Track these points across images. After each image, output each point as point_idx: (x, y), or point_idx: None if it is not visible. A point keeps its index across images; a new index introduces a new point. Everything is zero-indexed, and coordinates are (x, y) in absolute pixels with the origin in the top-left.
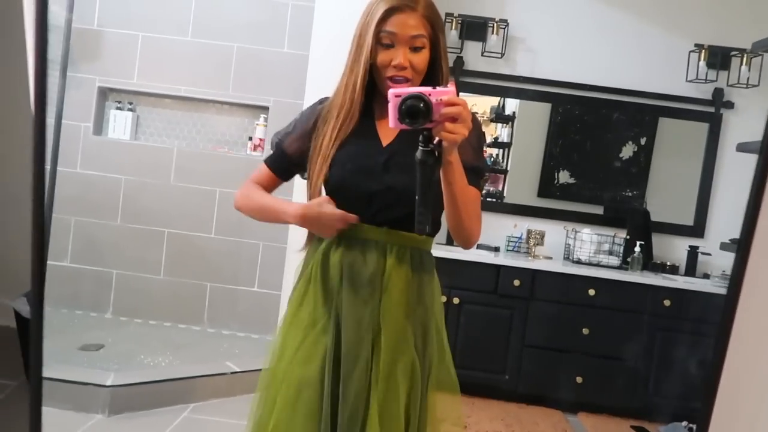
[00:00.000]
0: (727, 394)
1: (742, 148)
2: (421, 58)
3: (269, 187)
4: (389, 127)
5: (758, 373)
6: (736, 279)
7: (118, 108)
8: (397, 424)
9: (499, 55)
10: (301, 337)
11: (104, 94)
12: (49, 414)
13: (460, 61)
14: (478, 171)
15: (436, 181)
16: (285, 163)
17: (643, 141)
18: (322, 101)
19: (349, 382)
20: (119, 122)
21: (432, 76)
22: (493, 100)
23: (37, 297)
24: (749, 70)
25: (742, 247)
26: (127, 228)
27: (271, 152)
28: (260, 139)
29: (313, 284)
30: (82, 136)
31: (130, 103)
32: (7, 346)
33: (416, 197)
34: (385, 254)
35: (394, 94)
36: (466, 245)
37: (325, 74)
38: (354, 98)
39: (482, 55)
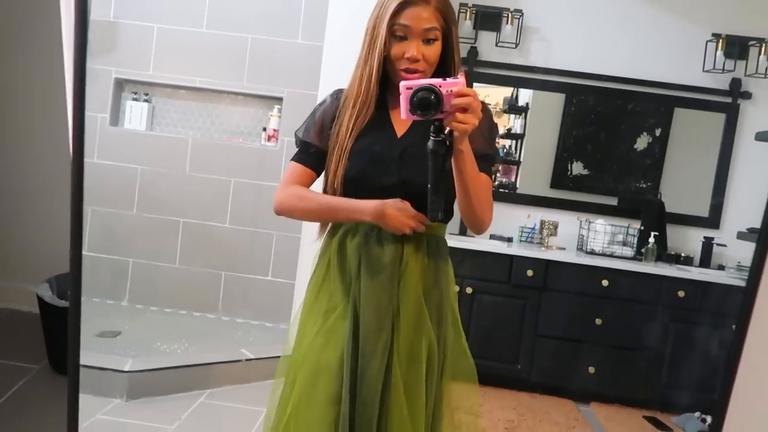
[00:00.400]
0: (744, 384)
1: (762, 137)
2: (434, 51)
3: (307, 185)
4: (406, 122)
5: None
6: (756, 268)
7: (134, 99)
8: (420, 403)
9: (514, 46)
10: (319, 324)
11: (120, 85)
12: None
13: (474, 51)
14: (489, 159)
15: (447, 170)
16: (317, 155)
17: (658, 132)
18: (337, 94)
19: (369, 367)
20: (135, 113)
21: (444, 67)
22: (507, 91)
23: (74, 291)
24: None
25: (763, 235)
26: (142, 217)
27: (298, 150)
28: (274, 130)
29: (331, 272)
30: (99, 127)
31: (146, 94)
32: (29, 331)
33: (428, 185)
34: (402, 241)
35: (406, 86)
36: (478, 231)
37: (339, 65)
38: (369, 89)
39: (496, 45)
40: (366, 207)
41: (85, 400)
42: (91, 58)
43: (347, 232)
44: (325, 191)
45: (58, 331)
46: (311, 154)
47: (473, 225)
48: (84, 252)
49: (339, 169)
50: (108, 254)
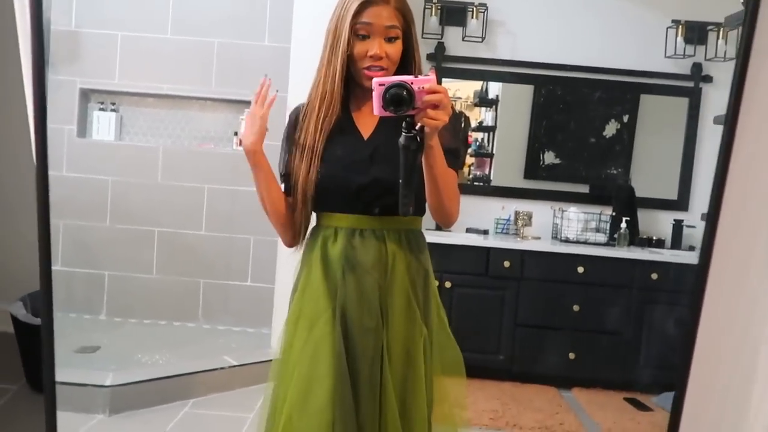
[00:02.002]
0: (702, 356)
1: (720, 120)
2: (396, 49)
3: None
4: (369, 118)
5: (732, 334)
6: (706, 248)
7: (101, 109)
8: (420, 401)
9: (480, 39)
10: (306, 333)
11: (86, 95)
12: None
13: (441, 46)
14: (455, 153)
15: (418, 165)
16: (285, 181)
17: (625, 118)
18: (295, 111)
19: (362, 369)
20: (103, 123)
21: (406, 66)
22: (476, 85)
23: (46, 305)
24: (726, 43)
25: (711, 217)
26: (116, 229)
27: (283, 183)
28: None
29: (314, 277)
30: (66, 138)
31: (113, 104)
32: (5, 351)
33: (400, 180)
34: (384, 240)
35: (378, 83)
36: (447, 224)
37: (306, 66)
38: (335, 89)
39: (463, 39)
40: (249, 162)
41: (66, 417)
42: (53, 69)
43: (328, 237)
44: (292, 192)
45: (34, 349)
46: (287, 183)
47: (442, 218)
48: (58, 267)
49: (311, 173)
50: (82, 268)
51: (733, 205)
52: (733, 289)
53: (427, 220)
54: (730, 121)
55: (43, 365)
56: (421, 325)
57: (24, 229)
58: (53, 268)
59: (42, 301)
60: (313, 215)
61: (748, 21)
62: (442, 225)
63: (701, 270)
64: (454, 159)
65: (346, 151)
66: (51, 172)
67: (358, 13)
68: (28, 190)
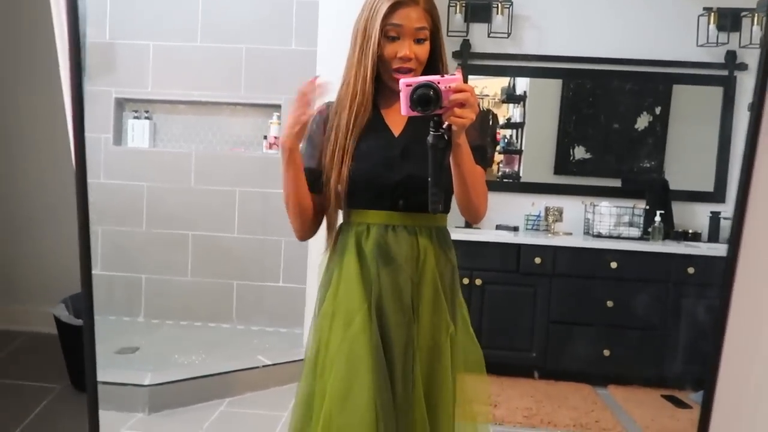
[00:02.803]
0: (732, 351)
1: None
2: (425, 50)
3: (314, 208)
4: (399, 116)
5: (763, 327)
6: (734, 239)
7: (135, 117)
8: (446, 395)
9: (506, 35)
10: (343, 329)
11: (121, 104)
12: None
13: (467, 44)
14: (482, 150)
15: (446, 163)
16: (316, 178)
17: (658, 110)
18: (320, 110)
19: (397, 363)
20: (137, 131)
21: (433, 66)
22: (503, 81)
23: (87, 307)
24: (761, 29)
25: (739, 207)
26: (152, 233)
27: (308, 180)
28: (275, 137)
29: (349, 274)
30: (103, 147)
31: (147, 112)
32: (49, 352)
33: (429, 179)
34: (416, 236)
35: (405, 83)
36: (475, 220)
37: (333, 68)
38: (366, 89)
39: (489, 36)
40: (283, 159)
41: (108, 415)
42: (90, 80)
43: (360, 233)
44: (324, 191)
45: (76, 349)
46: (310, 178)
47: (470, 215)
48: (97, 271)
49: (343, 170)
50: (121, 272)
51: (762, 195)
52: (763, 281)
53: (457, 218)
54: (756, 108)
55: (85, 365)
56: (448, 320)
57: (65, 234)
58: (93, 272)
59: (83, 303)
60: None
61: None
62: (471, 221)
63: (729, 262)
64: (482, 156)
65: (379, 149)
66: (89, 180)
67: (388, 14)
68: (69, 196)
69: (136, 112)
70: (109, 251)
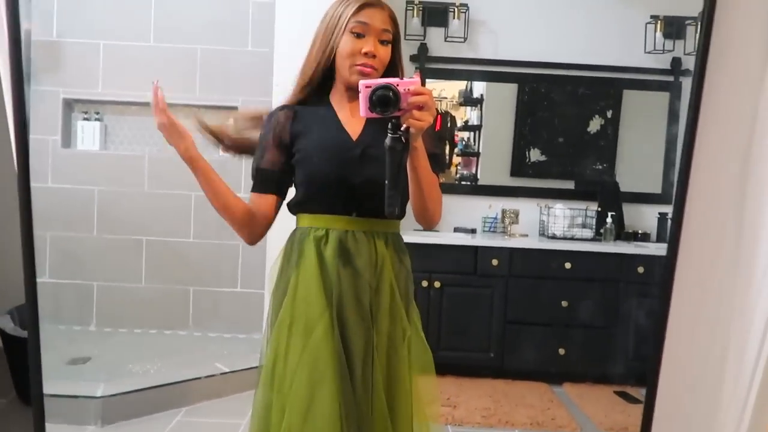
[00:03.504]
0: (673, 347)
1: None
2: (387, 52)
3: (271, 211)
4: (356, 121)
5: (701, 324)
6: (673, 240)
7: (85, 119)
8: (404, 389)
9: (462, 40)
10: (303, 338)
11: (69, 105)
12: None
13: (424, 47)
14: (437, 157)
15: (404, 166)
16: (274, 178)
17: (609, 114)
18: (272, 113)
19: (356, 370)
20: (87, 133)
21: (391, 72)
22: (461, 84)
23: (32, 317)
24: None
25: (677, 210)
26: (104, 239)
27: (254, 180)
28: None
29: (308, 280)
30: (51, 149)
31: (97, 113)
32: None
33: (386, 181)
34: (374, 241)
35: (365, 84)
36: (430, 225)
37: (290, 70)
38: (313, 78)
39: (445, 40)
40: (191, 168)
41: (58, 429)
42: (35, 80)
43: (320, 239)
44: (298, 189)
45: (23, 362)
46: (268, 180)
47: (425, 219)
48: (45, 278)
49: (306, 172)
50: (71, 279)
51: (699, 198)
52: (702, 279)
53: (415, 222)
54: (692, 116)
55: (30, 378)
56: (405, 325)
57: (8, 242)
58: (41, 280)
59: (28, 314)
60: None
61: (705, 17)
62: (425, 226)
63: (668, 262)
64: (437, 163)
65: (337, 152)
66: (36, 184)
67: (356, 12)
68: (10, 202)
69: (85, 113)
70: (58, 258)
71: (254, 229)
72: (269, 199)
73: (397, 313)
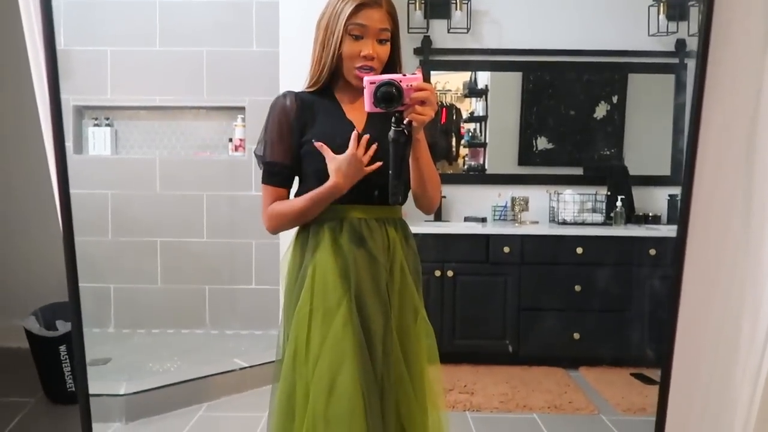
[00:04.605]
0: (687, 327)
1: None
2: (386, 50)
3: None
4: (360, 113)
5: (714, 304)
6: (683, 221)
7: (95, 125)
8: (418, 368)
9: (465, 31)
10: (324, 325)
11: (80, 112)
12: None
13: (427, 40)
14: (435, 146)
15: (407, 158)
16: (280, 170)
17: (615, 99)
18: (279, 100)
19: (376, 352)
20: (98, 139)
21: (391, 66)
22: (465, 76)
23: (75, 319)
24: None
25: (685, 190)
26: (119, 242)
27: (263, 171)
28: (240, 140)
29: (325, 269)
30: None
31: (107, 119)
32: (20, 365)
33: (390, 172)
34: (384, 227)
35: (369, 81)
36: (429, 211)
37: (296, 68)
38: (321, 80)
39: (449, 32)
40: (334, 183)
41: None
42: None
43: (334, 228)
44: (306, 181)
45: (49, 361)
46: (276, 174)
47: (425, 205)
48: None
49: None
50: (88, 282)
51: (707, 176)
52: (713, 256)
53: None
54: (697, 96)
55: (75, 376)
56: (416, 305)
57: (32, 245)
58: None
59: (72, 317)
60: None
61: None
62: (425, 211)
63: (679, 242)
64: (436, 152)
65: (345, 144)
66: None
67: (353, 14)
68: (37, 207)
69: (96, 119)
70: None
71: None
72: (284, 191)
73: (408, 294)
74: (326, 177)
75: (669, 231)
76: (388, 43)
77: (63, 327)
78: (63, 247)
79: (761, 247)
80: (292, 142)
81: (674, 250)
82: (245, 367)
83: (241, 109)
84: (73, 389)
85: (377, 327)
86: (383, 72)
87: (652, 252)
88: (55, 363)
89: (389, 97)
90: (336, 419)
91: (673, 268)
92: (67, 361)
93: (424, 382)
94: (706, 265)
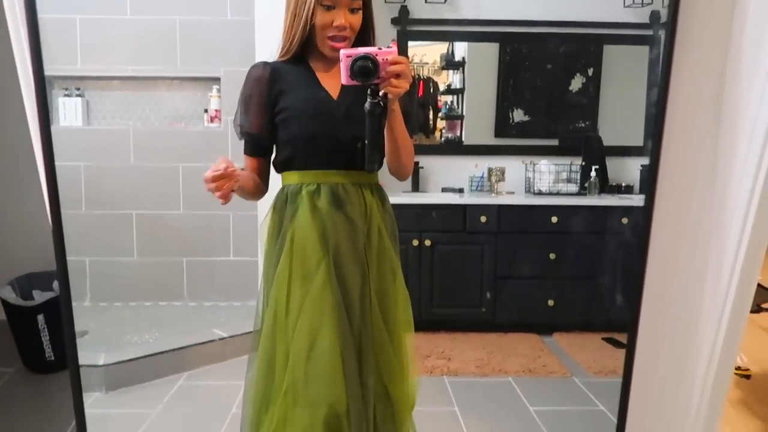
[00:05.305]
0: (653, 291)
1: None
2: (358, 19)
3: (261, 170)
4: (335, 81)
5: (678, 269)
6: (650, 189)
7: (66, 95)
8: (395, 325)
9: (443, 1)
10: (303, 288)
11: (49, 82)
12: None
13: (404, 10)
14: (409, 116)
15: (382, 128)
16: (261, 142)
17: (590, 72)
18: (258, 75)
19: (354, 311)
20: (69, 109)
21: (364, 35)
22: (443, 48)
23: (65, 293)
24: None
25: (653, 159)
26: (93, 215)
27: (244, 142)
28: (216, 111)
29: (303, 233)
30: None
31: (78, 89)
32: None
33: (366, 141)
34: (361, 192)
35: (346, 54)
36: (403, 178)
37: (272, 38)
38: (291, 47)
39: (426, 2)
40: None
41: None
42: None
43: (312, 192)
44: (282, 149)
45: (28, 331)
46: (254, 143)
47: (399, 172)
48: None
49: (292, 130)
50: None
51: (675, 141)
52: (678, 223)
53: (404, 183)
54: (666, 63)
55: (66, 347)
56: (394, 266)
57: (6, 216)
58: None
59: (60, 290)
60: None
61: None
62: (399, 178)
63: (647, 207)
64: (408, 120)
65: (321, 111)
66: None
67: None
68: (12, 178)
69: (66, 89)
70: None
71: (263, 190)
72: (263, 160)
73: (386, 255)
74: (302, 144)
75: (641, 200)
76: (360, 12)
77: (40, 297)
78: (50, 219)
79: (723, 210)
80: (267, 112)
81: (642, 215)
82: (225, 338)
83: (216, 79)
84: (53, 358)
85: (355, 288)
86: (356, 41)
87: (625, 221)
88: (33, 333)
89: (365, 71)
90: (315, 379)
91: (641, 233)
92: (45, 330)
93: (402, 342)
94: (672, 230)
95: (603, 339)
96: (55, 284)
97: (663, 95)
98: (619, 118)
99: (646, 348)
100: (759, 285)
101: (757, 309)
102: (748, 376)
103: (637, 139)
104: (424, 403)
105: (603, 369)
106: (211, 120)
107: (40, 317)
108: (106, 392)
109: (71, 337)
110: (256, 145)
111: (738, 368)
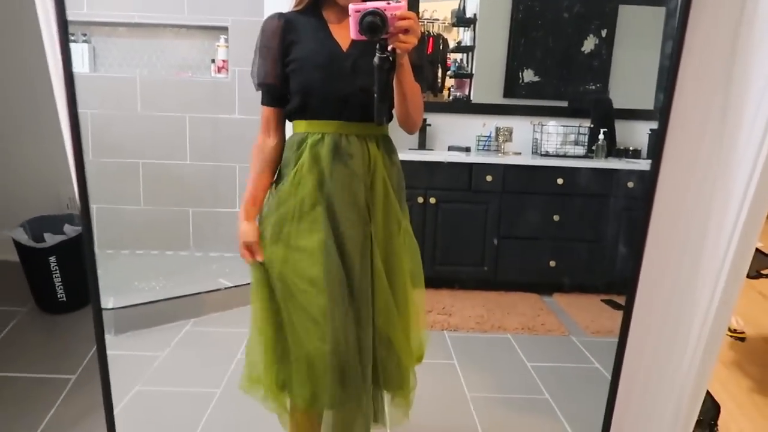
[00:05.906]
0: (653, 253)
1: None
2: None
3: (278, 119)
4: (346, 32)
5: (678, 233)
6: (656, 154)
7: (72, 41)
8: (401, 280)
9: None
10: (296, 225)
11: None
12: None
13: None
14: (418, 69)
15: (391, 81)
16: (276, 92)
17: (604, 33)
18: (273, 26)
19: (357, 256)
20: (75, 55)
21: None
22: (453, 4)
23: (87, 234)
24: None
25: (663, 118)
26: (99, 162)
27: (262, 93)
28: (223, 61)
29: (305, 174)
30: None
31: (84, 35)
32: (9, 276)
33: (375, 95)
34: (366, 143)
35: (355, 9)
36: (412, 131)
37: None
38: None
39: None
40: (242, 218)
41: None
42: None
43: (316, 141)
44: (293, 99)
45: (40, 272)
46: (273, 94)
47: (408, 126)
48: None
49: (302, 80)
50: None
51: (684, 104)
52: (681, 187)
53: (411, 140)
54: (680, 26)
55: (89, 290)
56: (399, 217)
57: (18, 158)
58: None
59: (83, 231)
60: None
61: None
62: (408, 131)
63: (652, 171)
64: (417, 74)
65: (331, 62)
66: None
67: None
68: (22, 120)
69: (72, 35)
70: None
71: (280, 148)
72: (280, 110)
73: (391, 207)
74: (310, 94)
75: (648, 165)
76: None
77: (51, 239)
78: (73, 165)
79: (728, 176)
80: (280, 63)
81: (648, 179)
82: (230, 287)
83: (224, 29)
84: (64, 299)
85: (355, 243)
86: None
87: (630, 185)
88: (45, 274)
89: (373, 27)
90: (301, 321)
91: (645, 197)
92: (58, 272)
93: (407, 293)
94: (675, 195)
95: (602, 300)
96: (66, 227)
97: (677, 48)
98: (631, 81)
99: (643, 309)
100: (759, 251)
101: (756, 275)
102: (743, 339)
103: (647, 102)
104: (424, 355)
105: (601, 329)
106: (219, 70)
107: (52, 259)
108: (115, 335)
109: (94, 281)
110: (272, 96)
111: (734, 331)
